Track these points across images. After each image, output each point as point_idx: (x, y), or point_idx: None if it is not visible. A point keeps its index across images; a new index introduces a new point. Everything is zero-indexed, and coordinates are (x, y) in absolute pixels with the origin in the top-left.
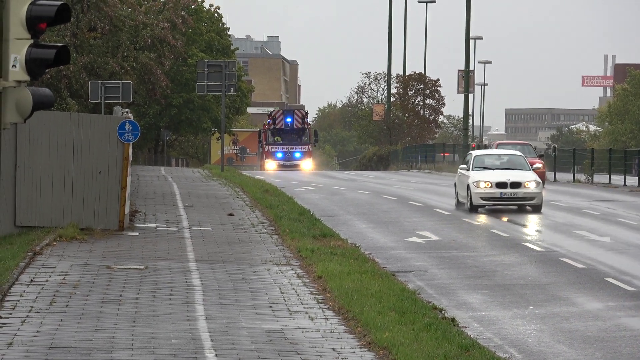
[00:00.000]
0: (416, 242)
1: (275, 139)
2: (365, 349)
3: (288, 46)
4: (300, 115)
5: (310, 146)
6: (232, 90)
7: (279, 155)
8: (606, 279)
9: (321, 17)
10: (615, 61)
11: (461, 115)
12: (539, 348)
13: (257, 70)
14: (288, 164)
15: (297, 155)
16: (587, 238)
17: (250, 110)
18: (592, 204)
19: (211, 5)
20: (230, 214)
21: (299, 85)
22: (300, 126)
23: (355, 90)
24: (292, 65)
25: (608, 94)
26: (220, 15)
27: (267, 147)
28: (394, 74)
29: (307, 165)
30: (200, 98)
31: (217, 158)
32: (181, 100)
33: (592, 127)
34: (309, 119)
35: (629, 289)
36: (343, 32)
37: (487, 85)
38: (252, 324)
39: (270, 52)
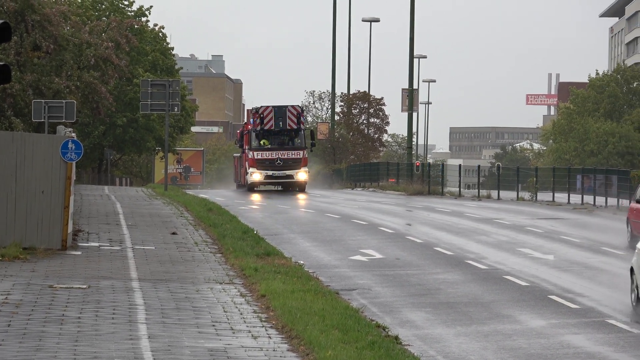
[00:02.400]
0: (360, 261)
1: (262, 142)
2: None
3: (232, 65)
4: (296, 113)
5: (305, 152)
6: (175, 110)
7: (267, 163)
8: (550, 296)
9: (265, 36)
10: (559, 80)
11: (405, 133)
12: None
13: (201, 89)
14: (279, 175)
15: (290, 163)
16: (530, 256)
17: (194, 129)
18: (535, 222)
19: (155, 25)
20: (174, 233)
21: (243, 104)
22: (294, 126)
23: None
24: (237, 84)
25: (552, 113)
26: (164, 35)
27: (250, 153)
28: (338, 93)
29: (302, 176)
30: (144, 117)
31: (161, 177)
32: (125, 120)
33: (536, 146)
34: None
35: (573, 306)
36: (287, 51)
37: (431, 103)
38: (195, 343)
39: (214, 71)
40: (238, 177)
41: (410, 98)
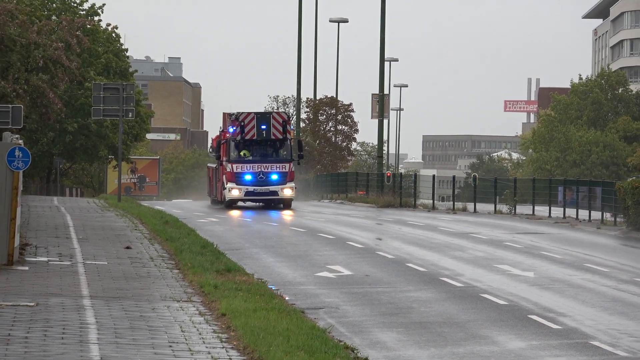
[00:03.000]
0: (327, 277)
1: (242, 154)
2: None
3: (191, 68)
4: (281, 120)
5: (292, 164)
6: (130, 115)
7: (248, 177)
8: (529, 316)
9: (227, 38)
10: (539, 85)
11: (375, 142)
12: None
13: (157, 93)
14: (261, 191)
15: (275, 177)
16: (509, 273)
17: (149, 136)
18: (514, 237)
19: (108, 25)
20: (128, 247)
21: (202, 110)
22: (280, 136)
23: None
24: (195, 89)
25: (532, 120)
26: (117, 36)
27: (229, 165)
28: (303, 98)
29: (287, 192)
30: (96, 124)
31: (114, 187)
32: (76, 126)
33: (514, 155)
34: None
35: (554, 326)
36: (250, 54)
37: (403, 110)
38: None
39: (171, 75)
40: (213, 191)
41: (380, 104)
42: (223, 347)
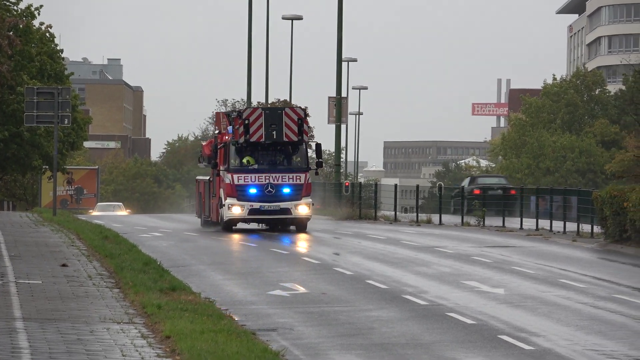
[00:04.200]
0: (280, 296)
1: (246, 161)
2: None
3: (132, 70)
4: (296, 118)
5: (308, 175)
6: (66, 122)
7: (253, 191)
8: (499, 336)
9: (171, 37)
10: (509, 87)
11: (332, 148)
12: None
13: (96, 98)
14: (269, 209)
15: (287, 191)
16: (477, 289)
17: (87, 144)
18: (483, 251)
19: (42, 24)
20: (64, 265)
21: (145, 116)
22: (294, 138)
23: (210, 120)
24: (137, 93)
25: (502, 124)
26: (52, 35)
27: (228, 176)
28: (254, 102)
29: (303, 209)
30: (29, 131)
31: (49, 200)
32: (7, 134)
33: (483, 162)
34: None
35: (526, 347)
36: (196, 54)
37: (362, 114)
38: None
39: (110, 77)
40: (206, 210)
41: (338, 108)
42: None
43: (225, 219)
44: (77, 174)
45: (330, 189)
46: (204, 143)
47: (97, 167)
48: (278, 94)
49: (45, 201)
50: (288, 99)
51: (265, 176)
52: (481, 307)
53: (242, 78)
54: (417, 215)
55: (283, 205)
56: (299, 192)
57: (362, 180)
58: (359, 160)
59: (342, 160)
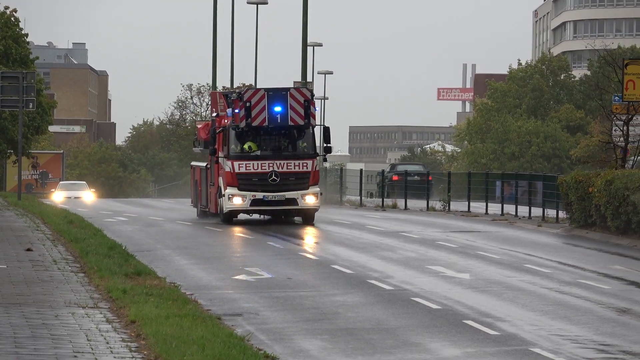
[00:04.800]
0: (246, 281)
1: (247, 146)
2: None
3: (97, 55)
4: (302, 99)
5: (316, 162)
6: (30, 106)
7: (255, 180)
8: (465, 321)
9: (135, 21)
10: (475, 71)
11: None
12: None
13: (61, 82)
14: (273, 199)
15: (293, 180)
16: (442, 274)
17: (52, 129)
18: (448, 235)
19: (7, 8)
20: (29, 249)
21: (110, 100)
22: (300, 122)
23: (175, 105)
24: (102, 77)
25: (467, 109)
26: (17, 20)
27: (228, 163)
28: (220, 87)
29: (310, 199)
30: None
31: (13, 185)
32: None
33: (448, 147)
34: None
35: (491, 332)
36: (162, 39)
37: (327, 99)
38: None
39: (75, 62)
40: (202, 199)
41: None
42: (132, 357)
43: (225, 210)
44: (42, 158)
45: None
46: (199, 125)
47: (62, 151)
48: (243, 78)
49: (10, 185)
50: (253, 84)
51: (268, 163)
52: (446, 292)
53: (207, 63)
54: (383, 200)
55: (288, 195)
56: (306, 181)
57: (327, 165)
58: (321, 144)
59: None
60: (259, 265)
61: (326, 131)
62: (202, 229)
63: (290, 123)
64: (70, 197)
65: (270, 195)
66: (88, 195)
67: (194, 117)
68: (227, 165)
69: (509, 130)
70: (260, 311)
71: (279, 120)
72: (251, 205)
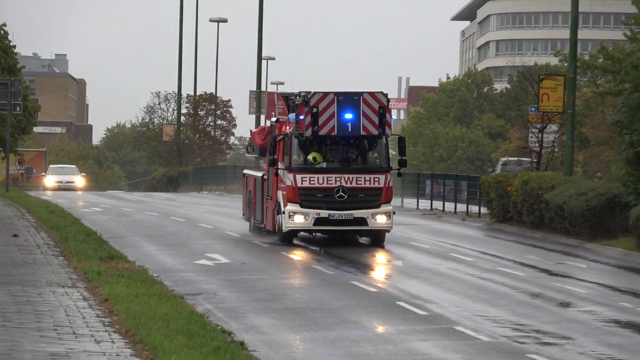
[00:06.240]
0: (206, 265)
1: (312, 158)
2: None
3: (76, 65)
4: (377, 106)
5: (389, 177)
6: (18, 109)
7: (320, 196)
8: (398, 302)
9: (111, 36)
10: (409, 84)
11: None
12: None
13: (44, 89)
14: (340, 218)
15: (362, 197)
16: (378, 261)
17: (36, 129)
18: None
19: None
20: (15, 235)
21: (87, 105)
22: (374, 131)
23: (145, 110)
24: (80, 84)
25: (402, 117)
26: (6, 33)
27: (289, 176)
28: (184, 94)
29: (382, 219)
30: None
31: (1, 178)
32: None
33: None
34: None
35: (420, 312)
36: (134, 51)
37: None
38: (37, 347)
39: (57, 71)
40: (257, 213)
41: (258, 100)
42: (106, 331)
43: (284, 229)
44: (27, 155)
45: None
46: (253, 130)
47: (45, 149)
48: (205, 87)
49: None
50: (214, 92)
51: (335, 177)
52: (382, 277)
53: (174, 72)
54: None
55: (357, 214)
56: (378, 198)
57: None
58: None
59: None
60: (217, 252)
61: (401, 142)
62: (168, 219)
63: (362, 132)
64: (61, 182)
65: (336, 214)
66: (79, 180)
67: (161, 121)
68: (289, 179)
69: (438, 136)
70: (218, 292)
71: (349, 130)
72: (315, 224)
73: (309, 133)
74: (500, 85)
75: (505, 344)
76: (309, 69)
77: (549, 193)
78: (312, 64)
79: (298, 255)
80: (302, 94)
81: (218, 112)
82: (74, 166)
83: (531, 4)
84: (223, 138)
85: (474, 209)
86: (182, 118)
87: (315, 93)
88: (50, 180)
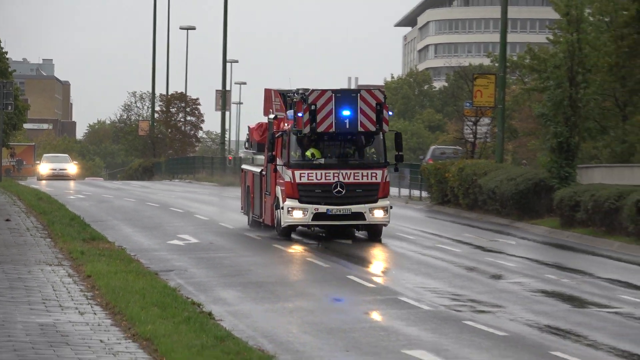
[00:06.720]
0: (177, 245)
1: (310, 154)
2: (130, 340)
3: (62, 68)
4: (374, 102)
5: (386, 172)
6: (9, 108)
7: (318, 192)
8: (348, 276)
9: (93, 43)
10: (358, 83)
11: (219, 130)
12: (287, 338)
13: (33, 90)
14: (338, 212)
15: (360, 192)
16: (332, 240)
17: (26, 126)
18: None
19: None
20: (7, 219)
21: (71, 104)
22: (372, 127)
23: (123, 108)
24: (65, 86)
25: None
26: None
27: (288, 172)
28: (157, 94)
29: (379, 214)
30: None
31: None
32: None
33: None
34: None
35: (369, 285)
36: (112, 56)
37: (242, 103)
38: (27, 319)
39: (45, 74)
40: (255, 208)
41: (223, 98)
42: (89, 304)
43: (283, 224)
44: (18, 149)
45: (216, 162)
46: (251, 126)
47: (34, 143)
48: (176, 87)
49: None
50: (184, 91)
51: (333, 173)
52: (334, 255)
53: (149, 74)
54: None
55: (355, 208)
56: (375, 193)
57: (241, 155)
58: (239, 139)
59: (226, 139)
60: (188, 233)
61: (398, 137)
62: (143, 205)
63: (360, 129)
64: (55, 170)
65: (334, 209)
66: (72, 168)
67: (137, 117)
68: (287, 175)
69: None
70: (188, 268)
71: (347, 126)
72: (313, 219)
73: (307, 130)
74: (438, 84)
75: (444, 312)
76: (268, 69)
77: (482, 178)
78: (272, 65)
79: (260, 236)
80: (300, 92)
81: (188, 110)
82: (66, 155)
83: (466, 11)
84: (192, 132)
85: (415, 193)
86: (156, 115)
87: (313, 90)
88: (44, 168)
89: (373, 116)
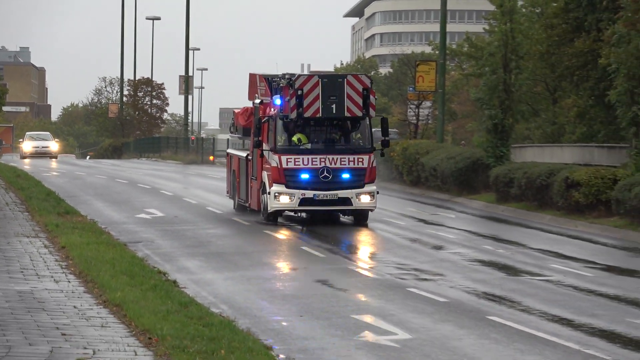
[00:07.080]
0: (144, 218)
1: (296, 139)
2: (101, 306)
3: (38, 55)
4: (361, 88)
5: (372, 157)
6: None
7: (305, 177)
8: (302, 247)
9: (64, 31)
10: (310, 69)
11: (182, 113)
12: (246, 304)
13: (11, 75)
14: (324, 198)
15: (347, 177)
16: (287, 215)
17: (5, 109)
18: None
19: None
20: None
21: (47, 88)
22: (358, 113)
23: (94, 92)
24: (41, 72)
25: None
26: None
27: (274, 157)
28: (126, 79)
29: (365, 199)
30: None
31: None
32: None
33: None
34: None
35: (321, 255)
36: (84, 43)
37: (204, 88)
38: (6, 287)
39: (22, 61)
40: (241, 192)
41: (186, 83)
42: (63, 273)
43: (270, 209)
44: None
45: (180, 142)
46: (236, 110)
47: (12, 125)
48: (143, 73)
49: None
50: (150, 77)
51: (320, 158)
52: (289, 228)
53: (117, 61)
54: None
55: (342, 194)
56: (362, 178)
57: (203, 135)
58: (201, 121)
59: (189, 121)
60: (154, 207)
61: (384, 122)
62: (113, 181)
63: (346, 114)
64: (38, 147)
65: (321, 194)
66: (54, 145)
67: (107, 101)
68: (274, 160)
69: None
70: (155, 240)
71: (334, 112)
72: (300, 204)
73: (294, 115)
74: (384, 70)
75: (390, 280)
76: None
77: (425, 157)
78: (231, 51)
79: (220, 210)
80: (286, 76)
81: (154, 94)
82: (48, 132)
83: (409, 3)
84: (158, 114)
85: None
86: (124, 98)
87: (299, 75)
88: (27, 145)
89: (360, 101)
